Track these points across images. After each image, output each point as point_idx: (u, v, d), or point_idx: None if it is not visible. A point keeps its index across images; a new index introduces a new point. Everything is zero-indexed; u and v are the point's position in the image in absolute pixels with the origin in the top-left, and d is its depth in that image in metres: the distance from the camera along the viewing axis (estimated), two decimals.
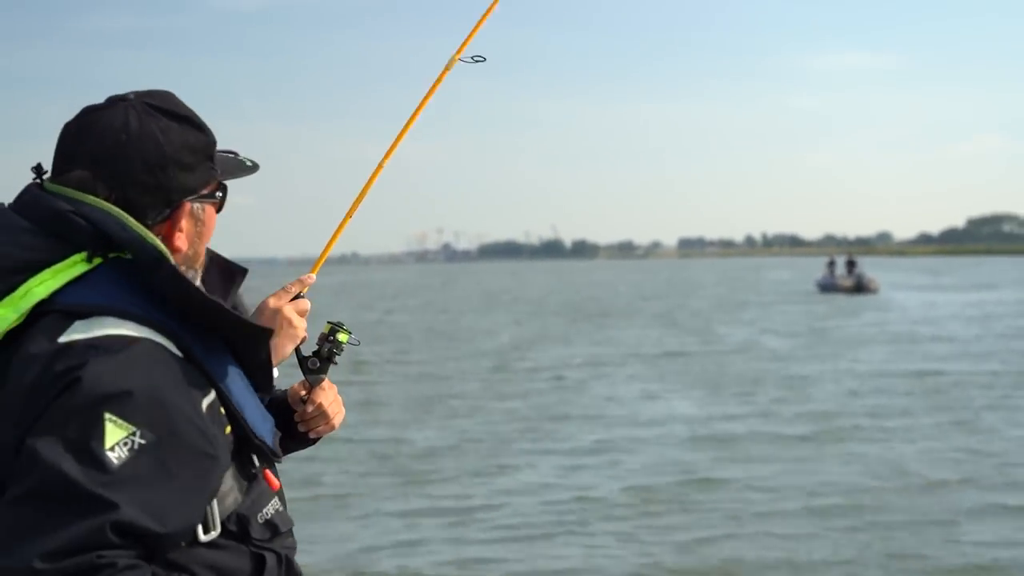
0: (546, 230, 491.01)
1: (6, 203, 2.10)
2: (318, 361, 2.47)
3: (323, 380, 2.47)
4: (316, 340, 2.51)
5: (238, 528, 2.06)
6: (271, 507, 2.17)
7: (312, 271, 2.64)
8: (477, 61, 2.93)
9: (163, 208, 2.06)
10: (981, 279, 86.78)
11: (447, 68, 2.93)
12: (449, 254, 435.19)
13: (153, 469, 1.83)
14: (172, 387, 1.92)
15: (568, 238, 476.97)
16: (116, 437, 1.80)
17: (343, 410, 2.54)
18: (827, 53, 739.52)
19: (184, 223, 2.11)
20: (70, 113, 2.14)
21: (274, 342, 2.24)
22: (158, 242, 2.00)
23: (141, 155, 2.03)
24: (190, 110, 2.16)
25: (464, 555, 10.64)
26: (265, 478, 2.16)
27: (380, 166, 2.82)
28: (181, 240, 2.10)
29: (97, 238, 1.96)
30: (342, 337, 2.53)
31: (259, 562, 2.09)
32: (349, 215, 2.82)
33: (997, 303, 53.55)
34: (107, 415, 1.80)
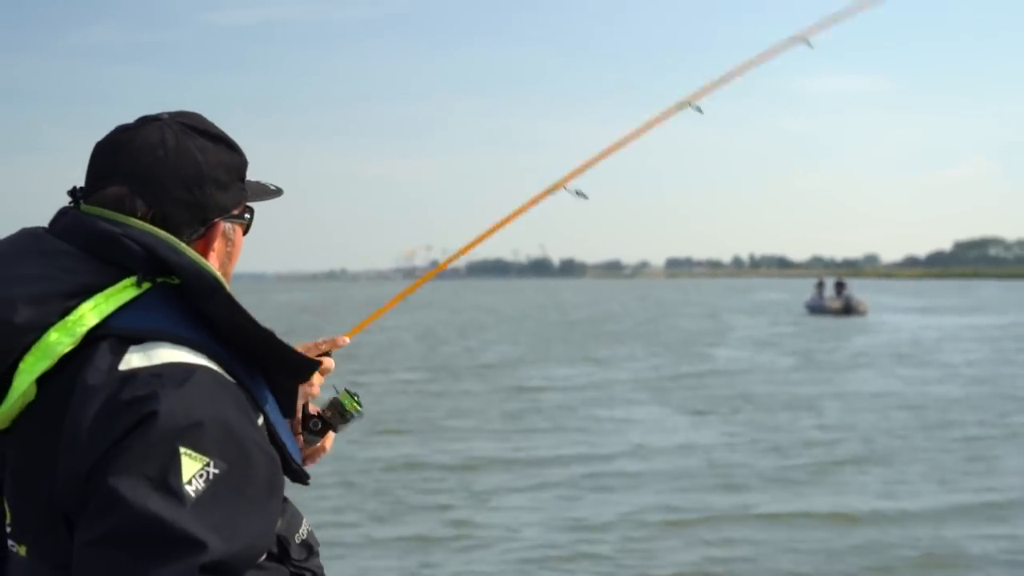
0: (534, 249, 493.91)
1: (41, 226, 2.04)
2: (320, 423, 2.49)
3: (317, 443, 2.50)
4: (328, 402, 2.51)
5: (279, 550, 2.06)
6: (304, 528, 2.17)
7: (348, 335, 2.65)
8: (580, 196, 3.00)
9: (198, 226, 2.04)
10: (970, 303, 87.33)
11: (549, 190, 3.03)
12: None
13: (229, 497, 1.79)
14: (236, 413, 1.89)
15: (556, 257, 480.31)
16: (192, 470, 1.75)
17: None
18: (821, 76, 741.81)
19: (217, 243, 2.09)
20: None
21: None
22: (213, 268, 1.96)
23: (179, 172, 2.00)
24: (222, 131, 2.14)
25: None
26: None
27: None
28: (213, 260, 2.06)
29: (150, 263, 1.91)
30: (351, 408, 2.52)
31: None
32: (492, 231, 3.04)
33: (988, 326, 53.77)
34: (182, 449, 1.76)
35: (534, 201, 2.98)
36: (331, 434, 2.53)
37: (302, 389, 2.31)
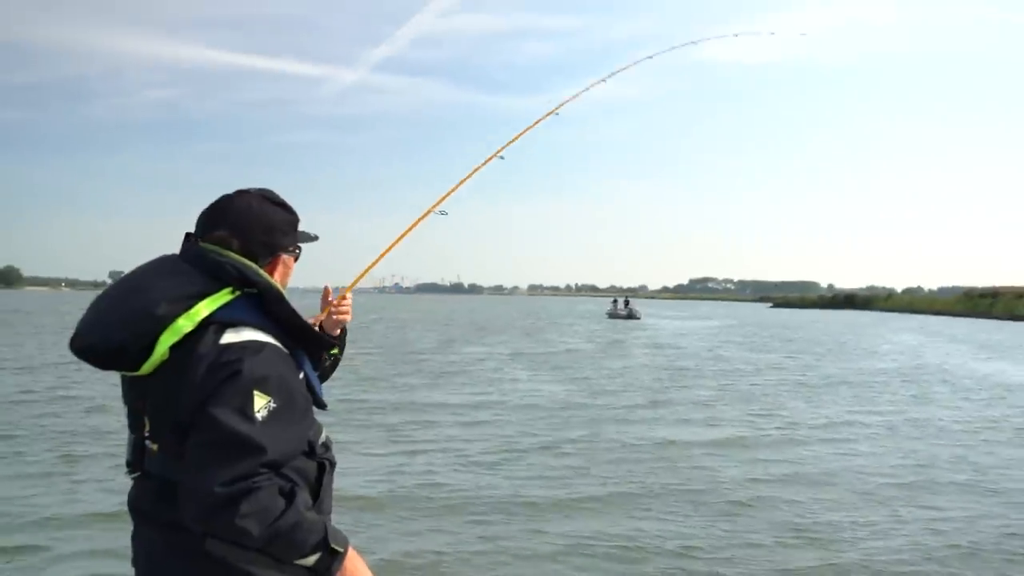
0: (453, 276, 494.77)
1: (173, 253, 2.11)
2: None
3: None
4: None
5: (309, 448, 2.07)
6: (324, 434, 2.18)
7: (348, 289, 2.61)
8: (443, 215, 2.90)
9: (269, 256, 2.10)
10: (699, 313, 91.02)
11: (424, 216, 2.86)
12: (398, 289, 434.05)
13: (282, 420, 1.90)
14: (287, 371, 1.99)
15: (466, 282, 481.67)
16: (261, 403, 1.87)
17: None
18: (616, 181, 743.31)
19: (279, 267, 2.15)
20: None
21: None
22: (277, 284, 2.07)
23: (261, 224, 2.11)
24: (284, 200, 2.20)
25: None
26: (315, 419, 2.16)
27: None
28: (277, 277, 2.13)
29: (241, 280, 1.99)
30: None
31: (320, 467, 2.11)
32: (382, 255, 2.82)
33: (712, 326, 55.75)
34: (255, 391, 1.87)
35: (414, 225, 2.79)
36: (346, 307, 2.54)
37: (337, 321, 2.50)
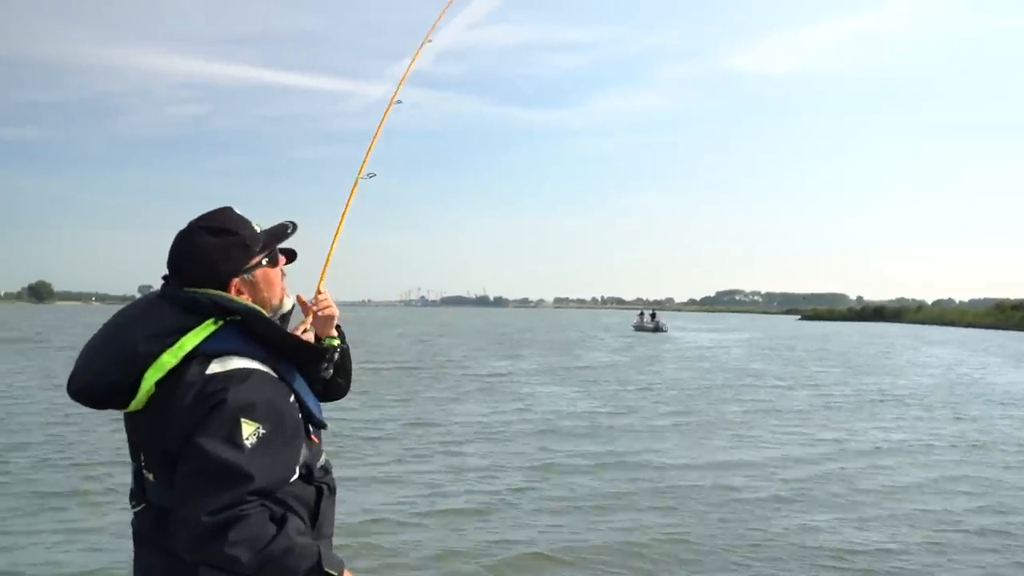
0: (479, 289, 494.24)
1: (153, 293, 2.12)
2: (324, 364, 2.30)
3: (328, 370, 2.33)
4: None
5: (307, 472, 2.06)
6: (322, 457, 2.15)
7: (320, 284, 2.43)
8: (371, 177, 2.81)
9: (221, 287, 2.04)
10: (728, 326, 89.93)
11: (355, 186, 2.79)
12: (424, 302, 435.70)
13: (271, 447, 1.88)
14: (276, 396, 1.96)
15: (491, 294, 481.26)
16: (249, 431, 1.85)
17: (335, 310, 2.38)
18: (642, 194, 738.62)
19: (248, 288, 2.09)
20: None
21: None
22: (253, 305, 2.04)
23: (196, 262, 2.05)
24: (231, 220, 2.10)
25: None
26: (313, 440, 2.12)
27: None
28: (251, 299, 2.08)
29: (219, 309, 1.99)
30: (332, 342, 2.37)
31: (319, 492, 2.09)
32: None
33: (743, 339, 54.91)
34: (243, 419, 1.86)
35: (351, 196, 2.71)
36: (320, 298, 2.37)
37: (324, 318, 2.33)
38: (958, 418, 16.29)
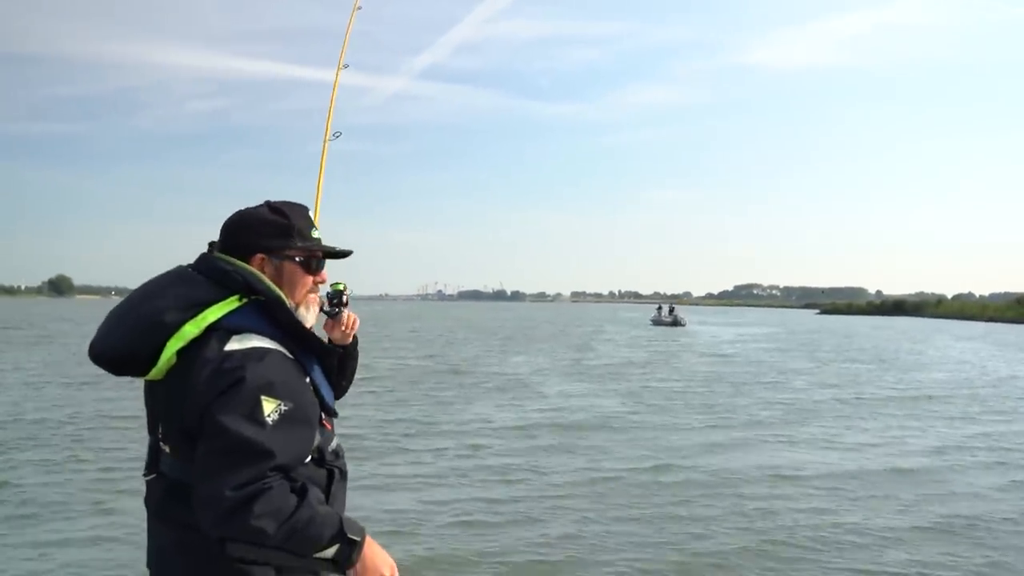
0: (496, 284, 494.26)
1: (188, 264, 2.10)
2: (328, 306, 2.41)
3: (340, 314, 2.44)
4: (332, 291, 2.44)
5: (319, 455, 2.07)
6: (334, 442, 2.16)
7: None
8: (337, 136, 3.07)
9: (245, 255, 2.06)
10: (747, 320, 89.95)
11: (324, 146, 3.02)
12: (441, 296, 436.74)
13: (292, 424, 1.90)
14: (293, 376, 1.98)
15: (509, 289, 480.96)
16: (270, 408, 1.87)
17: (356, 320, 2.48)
18: (659, 189, 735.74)
19: (270, 270, 2.08)
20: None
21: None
22: (280, 292, 2.04)
23: (239, 225, 2.10)
24: (294, 210, 2.14)
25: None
26: (326, 425, 2.12)
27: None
28: (277, 283, 2.07)
29: (246, 286, 2.00)
30: (340, 286, 2.45)
31: (330, 474, 2.09)
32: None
33: (763, 334, 54.43)
34: (263, 397, 1.87)
35: (323, 157, 3.04)
36: (349, 314, 2.46)
37: (337, 335, 2.45)
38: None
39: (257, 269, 2.06)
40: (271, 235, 2.09)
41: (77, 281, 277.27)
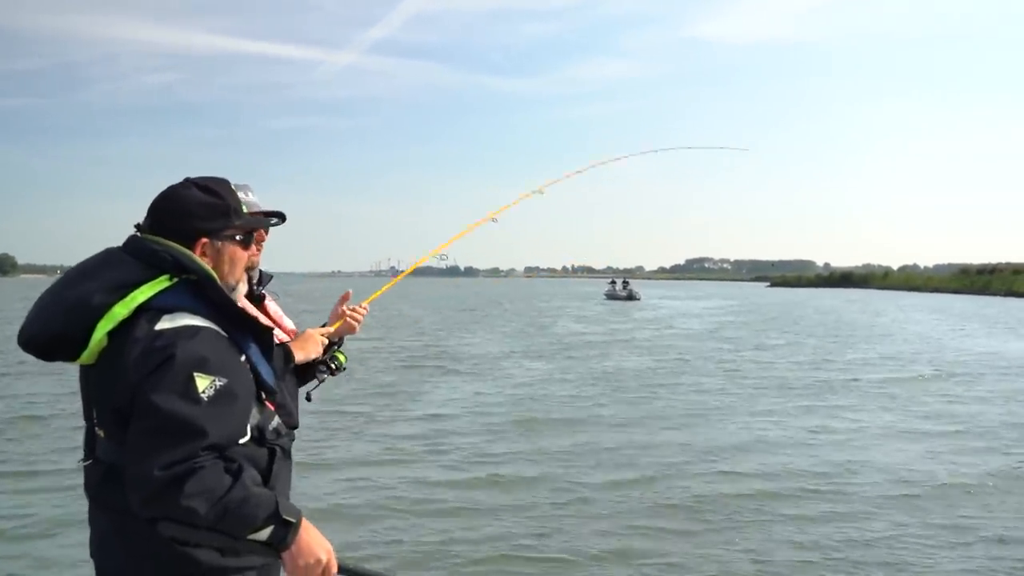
0: (449, 260, 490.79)
1: (117, 246, 2.05)
2: (325, 368, 2.61)
3: (324, 378, 2.62)
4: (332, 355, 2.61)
5: (258, 434, 2.04)
6: (274, 421, 2.12)
7: (366, 302, 2.73)
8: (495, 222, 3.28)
9: (186, 241, 2.01)
10: (700, 293, 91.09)
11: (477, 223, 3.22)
12: (394, 273, 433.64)
13: (227, 400, 1.86)
14: (227, 354, 1.94)
15: (462, 265, 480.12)
16: (204, 384, 1.83)
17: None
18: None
19: (209, 253, 2.05)
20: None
21: (299, 347, 2.53)
22: (210, 270, 2.01)
23: (175, 210, 2.03)
24: (223, 187, 2.10)
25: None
26: (267, 404, 2.10)
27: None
28: (208, 263, 2.03)
29: (176, 266, 1.96)
30: (340, 357, 2.61)
31: (271, 453, 2.07)
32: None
33: (718, 307, 54.90)
34: (196, 373, 1.83)
35: (470, 228, 2.99)
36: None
37: (310, 345, 2.58)
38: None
39: (198, 253, 2.03)
40: (209, 217, 2.05)
41: (21, 260, 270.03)
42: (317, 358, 2.63)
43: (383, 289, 2.85)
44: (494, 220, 3.27)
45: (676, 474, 8.73)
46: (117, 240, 2.05)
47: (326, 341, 2.68)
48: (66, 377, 14.73)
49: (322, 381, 2.61)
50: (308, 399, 2.62)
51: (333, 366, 2.64)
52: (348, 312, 2.62)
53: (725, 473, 8.76)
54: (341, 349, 2.70)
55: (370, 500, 7.79)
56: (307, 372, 2.64)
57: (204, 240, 2.04)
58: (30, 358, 2.05)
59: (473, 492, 8.11)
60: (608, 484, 8.31)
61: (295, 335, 2.67)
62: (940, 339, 27.32)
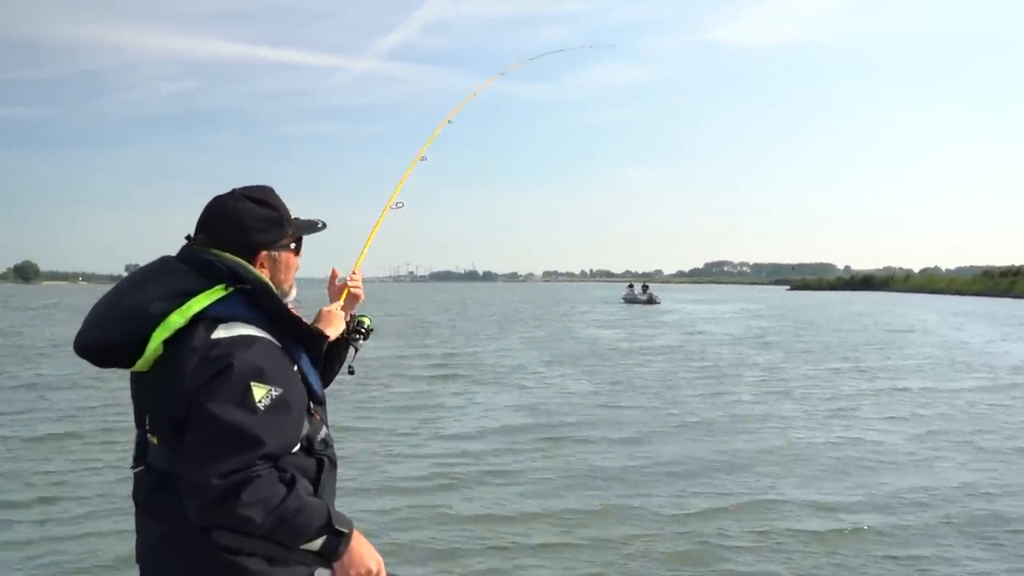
0: (468, 264, 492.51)
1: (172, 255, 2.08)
2: (351, 334, 2.55)
3: (360, 343, 2.58)
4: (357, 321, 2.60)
5: (308, 444, 2.04)
6: (323, 431, 2.13)
7: (354, 269, 2.71)
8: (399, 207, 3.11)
9: (247, 255, 2.04)
10: (720, 297, 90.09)
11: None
12: (413, 278, 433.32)
13: (283, 410, 1.88)
14: (282, 363, 1.96)
15: (480, 269, 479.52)
16: (261, 394, 1.84)
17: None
18: (628, 168, 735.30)
19: (268, 264, 2.09)
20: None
21: (326, 326, 2.36)
22: (266, 279, 2.03)
23: (233, 225, 2.06)
24: (274, 197, 2.14)
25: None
26: (314, 414, 2.09)
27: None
28: (266, 274, 2.07)
29: (232, 276, 1.98)
30: (364, 320, 2.62)
31: (320, 463, 2.07)
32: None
33: (739, 311, 54.48)
34: (252, 383, 1.85)
35: (380, 220, 3.03)
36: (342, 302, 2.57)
37: (336, 321, 2.44)
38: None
39: (258, 265, 2.07)
40: (267, 230, 2.10)
41: (44, 267, 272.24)
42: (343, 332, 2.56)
43: (367, 243, 2.84)
44: (423, 159, 3.33)
45: (767, 503, 7.76)
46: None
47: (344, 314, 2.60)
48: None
49: (358, 349, 2.58)
50: (351, 372, 2.59)
51: (362, 331, 2.60)
52: (349, 282, 2.57)
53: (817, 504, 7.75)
54: (360, 315, 2.64)
55: (414, 516, 7.39)
56: (332, 352, 2.48)
57: (264, 253, 2.09)
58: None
59: (532, 525, 7.21)
60: (707, 512, 7.54)
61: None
62: (985, 346, 25.63)
